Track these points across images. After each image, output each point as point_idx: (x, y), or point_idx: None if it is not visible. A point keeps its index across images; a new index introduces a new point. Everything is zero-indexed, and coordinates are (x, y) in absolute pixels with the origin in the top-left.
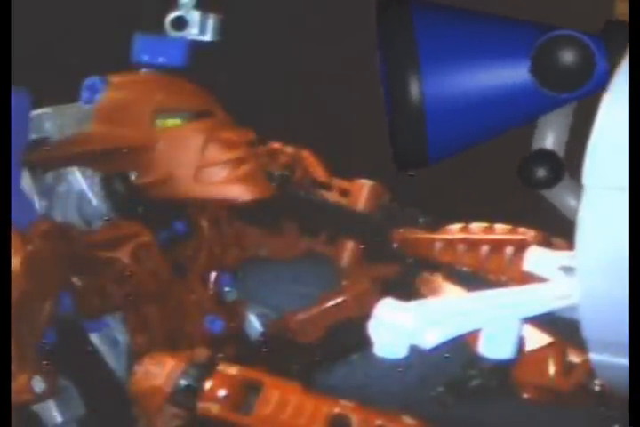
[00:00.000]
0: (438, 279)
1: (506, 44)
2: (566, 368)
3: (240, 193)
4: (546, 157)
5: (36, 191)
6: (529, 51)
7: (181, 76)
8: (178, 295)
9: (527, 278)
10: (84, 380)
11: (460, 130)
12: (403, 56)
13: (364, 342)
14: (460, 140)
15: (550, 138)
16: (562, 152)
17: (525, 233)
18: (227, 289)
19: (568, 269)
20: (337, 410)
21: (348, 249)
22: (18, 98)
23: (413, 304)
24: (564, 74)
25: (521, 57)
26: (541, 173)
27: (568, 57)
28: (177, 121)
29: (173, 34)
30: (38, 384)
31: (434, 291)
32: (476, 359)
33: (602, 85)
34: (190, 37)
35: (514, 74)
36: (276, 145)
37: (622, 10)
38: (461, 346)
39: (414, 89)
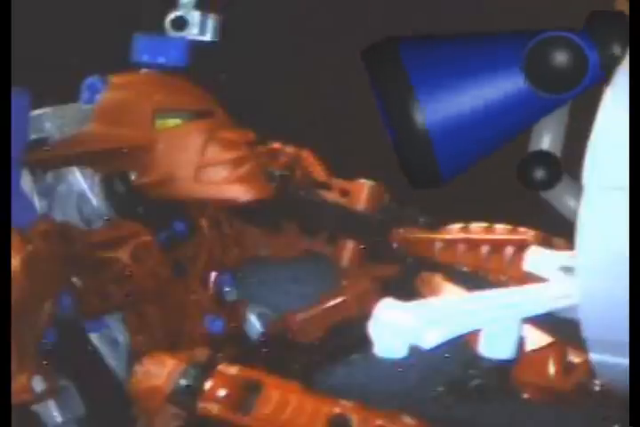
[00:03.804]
0: (438, 279)
1: (494, 58)
2: (566, 368)
3: (240, 193)
4: (543, 158)
5: (36, 191)
6: (518, 59)
7: (181, 76)
8: (178, 295)
9: (527, 278)
10: (84, 380)
11: (467, 148)
12: (397, 91)
13: (364, 342)
14: (468, 157)
15: (547, 139)
16: (559, 153)
17: (525, 233)
18: (227, 289)
19: (568, 269)
20: (337, 410)
21: (348, 249)
22: (18, 98)
23: (413, 304)
24: (559, 74)
25: (511, 67)
26: (540, 173)
27: (560, 57)
28: (177, 121)
29: (173, 34)
30: (38, 384)
31: (434, 291)
32: (475, 359)
33: (596, 78)
34: (190, 37)
35: (508, 85)
36: (276, 145)
37: (622, 9)
38: (461, 346)
39: (416, 122)
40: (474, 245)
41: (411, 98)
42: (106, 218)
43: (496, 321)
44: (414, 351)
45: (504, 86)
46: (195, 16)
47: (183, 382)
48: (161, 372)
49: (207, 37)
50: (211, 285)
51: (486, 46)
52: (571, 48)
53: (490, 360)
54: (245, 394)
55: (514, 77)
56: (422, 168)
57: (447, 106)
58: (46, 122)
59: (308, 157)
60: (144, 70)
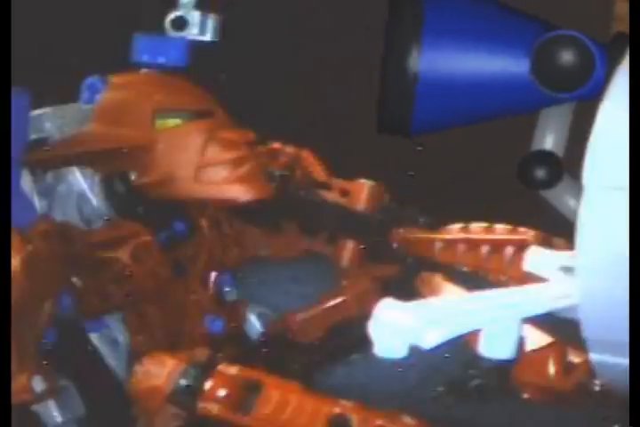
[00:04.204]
0: (438, 279)
1: (508, 33)
2: (566, 368)
3: (240, 193)
4: (545, 157)
5: (36, 191)
6: (529, 44)
7: (181, 76)
8: (178, 295)
9: (527, 278)
10: (84, 380)
11: (448, 109)
12: (407, 27)
13: (364, 342)
14: (445, 119)
15: (550, 138)
16: (561, 152)
17: (525, 233)
18: (227, 289)
19: (568, 269)
20: (337, 410)
21: (348, 249)
22: (18, 98)
23: (413, 304)
24: (564, 73)
25: (521, 49)
26: (541, 173)
27: (568, 57)
28: (177, 121)
29: (173, 34)
30: (38, 384)
31: (434, 291)
32: (475, 359)
33: (599, 91)
34: (190, 37)
35: (510, 64)
36: (276, 145)
37: (622, 10)
38: (461, 346)
39: (410, 65)
40: (474, 245)
41: (416, 41)
42: (106, 218)
43: (496, 321)
44: (414, 351)
45: (509, 65)
46: (195, 16)
47: (183, 382)
48: (161, 372)
49: (207, 37)
50: (211, 285)
51: (509, 23)
52: (580, 49)
53: (490, 360)
54: (245, 394)
55: (517, 60)
56: (397, 111)
57: (446, 63)
58: (46, 122)
59: (308, 157)
60: (144, 70)
